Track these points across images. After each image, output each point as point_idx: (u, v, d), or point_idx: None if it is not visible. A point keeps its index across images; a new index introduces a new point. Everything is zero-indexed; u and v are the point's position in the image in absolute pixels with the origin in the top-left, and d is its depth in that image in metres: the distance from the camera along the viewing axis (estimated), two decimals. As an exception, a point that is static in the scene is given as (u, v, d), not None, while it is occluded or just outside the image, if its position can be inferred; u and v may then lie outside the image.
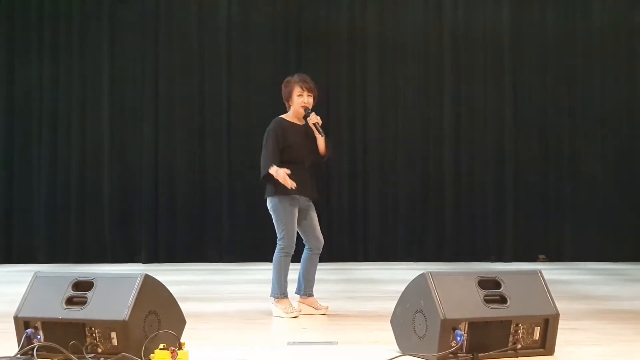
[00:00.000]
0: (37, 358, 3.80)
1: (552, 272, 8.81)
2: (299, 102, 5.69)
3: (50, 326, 3.91)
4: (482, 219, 11.03)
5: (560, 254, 10.93)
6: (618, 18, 11.18)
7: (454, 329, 3.82)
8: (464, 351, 3.87)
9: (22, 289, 4.11)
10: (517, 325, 3.99)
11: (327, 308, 5.78)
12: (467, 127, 11.13)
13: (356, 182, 11.11)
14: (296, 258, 5.72)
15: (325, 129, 5.72)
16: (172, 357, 3.63)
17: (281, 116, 5.79)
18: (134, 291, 3.85)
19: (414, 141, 11.11)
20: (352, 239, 11.05)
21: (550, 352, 4.06)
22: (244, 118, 10.97)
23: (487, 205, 11.05)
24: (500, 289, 4.03)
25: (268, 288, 5.72)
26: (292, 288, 5.73)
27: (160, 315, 3.97)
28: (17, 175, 11.01)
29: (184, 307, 4.27)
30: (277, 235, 5.64)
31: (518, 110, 11.12)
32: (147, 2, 11.11)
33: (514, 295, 4.01)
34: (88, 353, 3.82)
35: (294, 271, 5.74)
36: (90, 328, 3.85)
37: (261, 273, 8.30)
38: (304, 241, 5.79)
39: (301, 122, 5.75)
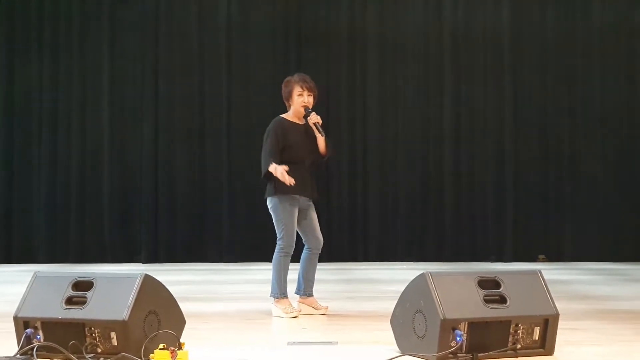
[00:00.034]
0: (37, 358, 3.80)
1: (552, 272, 8.80)
2: (299, 102, 5.69)
3: (50, 326, 3.90)
4: (482, 219, 11.04)
5: (560, 254, 10.93)
6: (618, 18, 11.18)
7: (454, 329, 3.82)
8: (463, 351, 3.87)
9: (21, 289, 4.11)
10: (516, 325, 3.99)
11: (326, 308, 5.78)
12: (467, 127, 11.13)
13: (356, 182, 11.11)
14: (296, 258, 5.72)
15: (325, 128, 5.72)
16: (171, 357, 3.63)
17: (281, 116, 5.79)
18: (133, 291, 3.85)
19: (414, 141, 11.11)
20: (352, 239, 11.05)
21: (550, 352, 4.06)
22: (244, 118, 10.97)
23: (487, 205, 11.05)
24: (500, 289, 4.03)
25: (268, 288, 5.72)
26: (291, 288, 5.73)
27: (160, 315, 3.96)
28: (17, 175, 11.02)
29: (184, 307, 4.27)
30: (277, 235, 5.64)
31: (518, 110, 11.12)
32: (147, 2, 11.12)
33: (514, 295, 4.01)
34: (88, 353, 3.82)
35: (294, 271, 5.74)
36: (90, 328, 3.85)
37: (261, 273, 8.30)
38: (303, 241, 5.79)
39: (301, 122, 5.75)
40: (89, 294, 3.92)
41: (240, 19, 11.15)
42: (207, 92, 11.12)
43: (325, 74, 10.87)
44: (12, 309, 4.02)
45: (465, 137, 11.12)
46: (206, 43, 11.16)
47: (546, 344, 4.05)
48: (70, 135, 11.01)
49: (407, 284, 4.15)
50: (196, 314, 5.57)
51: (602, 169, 11.09)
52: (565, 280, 8.30)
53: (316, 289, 5.84)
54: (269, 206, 5.68)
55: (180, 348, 3.73)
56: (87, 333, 3.86)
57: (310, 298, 5.76)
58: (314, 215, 5.75)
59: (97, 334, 3.85)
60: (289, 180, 5.44)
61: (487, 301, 3.96)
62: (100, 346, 3.85)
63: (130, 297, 3.83)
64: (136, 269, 9.40)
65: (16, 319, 3.96)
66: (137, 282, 3.89)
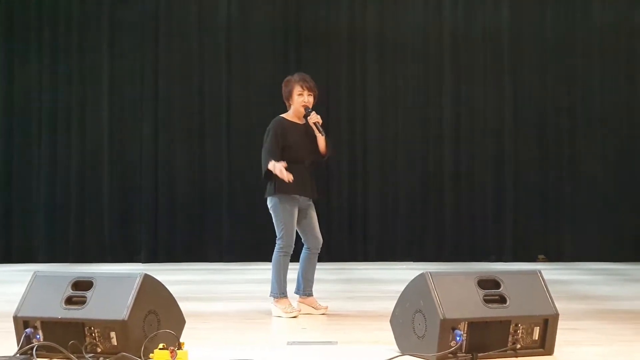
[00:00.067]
0: (37, 358, 3.79)
1: (552, 272, 8.80)
2: (299, 102, 5.69)
3: (50, 326, 3.90)
4: (482, 219, 11.04)
5: (560, 254, 10.94)
6: (618, 18, 11.18)
7: (454, 328, 3.82)
8: (463, 351, 3.87)
9: (21, 289, 4.11)
10: (516, 325, 3.98)
11: (326, 308, 5.78)
12: (467, 127, 11.13)
13: (356, 182, 11.11)
14: (295, 258, 5.72)
15: (325, 128, 5.72)
16: (171, 357, 3.63)
17: (281, 115, 5.79)
18: (133, 291, 3.85)
19: (414, 141, 11.12)
20: (352, 239, 11.05)
21: (550, 352, 4.06)
22: (243, 118, 10.97)
23: (486, 205, 11.05)
24: (500, 289, 4.03)
25: (267, 288, 5.72)
26: (291, 288, 5.73)
27: (159, 314, 3.96)
28: (17, 175, 11.01)
29: (184, 306, 4.26)
30: (277, 234, 5.64)
31: (518, 110, 11.12)
32: (147, 2, 11.12)
33: (514, 295, 4.01)
34: (87, 353, 3.82)
35: (293, 271, 5.74)
36: (90, 328, 3.85)
37: (261, 273, 8.30)
38: (302, 240, 5.79)
39: (301, 122, 5.75)
40: (88, 294, 3.92)
41: (240, 19, 11.15)
42: (207, 92, 11.12)
43: (325, 74, 10.87)
44: (12, 308, 4.02)
45: (465, 137, 11.12)
46: (206, 43, 11.16)
47: (546, 344, 4.05)
48: (70, 135, 11.01)
49: (406, 283, 4.15)
50: (196, 313, 5.57)
51: (602, 169, 11.09)
52: (565, 280, 8.30)
53: (316, 288, 5.84)
54: (269, 206, 5.68)
55: (179, 348, 3.73)
56: (86, 333, 3.86)
57: (310, 298, 5.76)
58: (313, 215, 5.75)
59: (96, 334, 3.85)
60: (287, 177, 5.44)
61: (486, 301, 3.95)
62: (100, 346, 3.85)
63: (130, 297, 3.82)
64: (136, 269, 9.40)
65: (16, 318, 3.95)
66: (137, 282, 3.89)
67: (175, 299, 4.15)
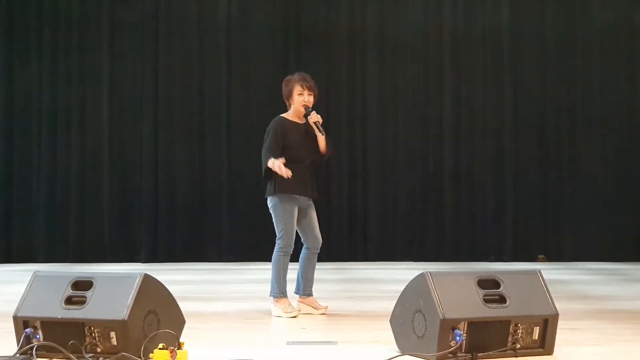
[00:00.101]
0: (37, 357, 3.79)
1: (552, 272, 8.81)
2: (300, 101, 5.69)
3: (50, 326, 3.90)
4: (482, 219, 11.04)
5: (559, 254, 10.94)
6: (618, 18, 11.18)
7: (453, 328, 3.82)
8: (463, 351, 3.87)
9: (21, 289, 4.11)
10: (516, 325, 3.99)
11: (326, 308, 5.78)
12: (467, 127, 11.13)
13: (356, 182, 11.11)
14: (295, 258, 5.72)
15: (325, 128, 5.72)
16: (171, 357, 3.63)
17: (281, 115, 5.79)
18: (133, 291, 3.85)
19: (414, 141, 11.12)
20: (352, 239, 11.05)
21: (550, 352, 4.06)
22: (243, 118, 10.97)
23: (486, 205, 11.05)
24: (500, 289, 4.03)
25: (267, 288, 5.72)
26: (291, 288, 5.73)
27: (159, 314, 3.96)
28: (17, 175, 11.01)
29: (184, 306, 4.27)
30: (276, 234, 5.64)
31: (518, 110, 11.12)
32: (147, 2, 11.12)
33: (514, 295, 4.01)
34: (87, 352, 3.82)
35: (293, 270, 5.74)
36: (90, 327, 3.85)
37: (261, 273, 8.31)
38: (302, 240, 5.79)
39: (301, 121, 5.75)
40: (88, 294, 3.92)
41: (240, 19, 11.15)
42: (207, 92, 11.12)
43: (325, 74, 10.87)
44: (12, 308, 4.02)
45: (465, 137, 11.12)
46: (206, 43, 11.16)
47: (546, 343, 4.05)
48: (70, 135, 11.01)
49: (406, 283, 4.15)
50: (196, 313, 5.57)
51: (602, 169, 11.09)
52: (564, 280, 8.30)
53: (315, 288, 5.84)
54: (269, 205, 5.68)
55: (179, 348, 3.73)
56: (86, 333, 3.86)
57: (310, 298, 5.76)
58: (313, 215, 5.75)
59: (96, 334, 3.85)
60: (286, 173, 5.43)
61: (486, 301, 3.96)
62: (100, 346, 3.85)
63: (130, 297, 3.82)
64: (136, 269, 9.40)
65: (16, 318, 3.96)
66: (137, 282, 3.89)
67: (175, 299, 4.15)
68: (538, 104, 11.15)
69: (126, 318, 3.77)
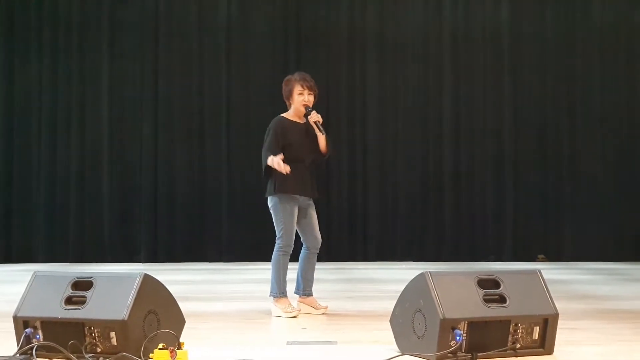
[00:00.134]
0: (37, 358, 3.79)
1: (552, 272, 8.81)
2: (300, 101, 5.69)
3: (50, 326, 3.90)
4: (482, 219, 11.04)
5: (559, 254, 10.94)
6: (618, 18, 11.19)
7: (453, 328, 3.82)
8: (463, 351, 3.87)
9: (21, 289, 4.11)
10: (516, 324, 3.99)
11: (326, 308, 5.78)
12: (467, 127, 11.13)
13: (356, 182, 11.11)
14: (295, 257, 5.72)
15: (325, 128, 5.72)
16: (171, 357, 3.63)
17: (282, 115, 5.79)
18: (133, 291, 3.85)
19: (413, 141, 11.12)
20: (352, 239, 11.05)
21: (550, 352, 4.06)
22: (243, 118, 10.97)
23: (486, 205, 11.05)
24: (500, 289, 4.03)
25: (267, 287, 5.72)
26: (291, 288, 5.73)
27: (159, 314, 3.96)
28: (17, 175, 11.01)
29: (184, 306, 4.27)
30: (276, 234, 5.64)
31: (518, 110, 11.12)
32: (147, 2, 11.12)
33: (513, 295, 4.01)
34: (87, 352, 3.82)
35: (293, 270, 5.74)
36: (90, 327, 3.85)
37: (260, 273, 8.31)
38: (302, 240, 5.79)
39: (302, 121, 5.75)
40: (88, 294, 3.92)
41: (240, 19, 11.15)
42: (207, 92, 11.12)
43: (325, 74, 10.86)
44: (12, 308, 4.02)
45: (465, 137, 11.12)
46: (206, 43, 11.16)
47: (546, 343, 4.05)
48: (69, 135, 11.01)
49: (406, 283, 4.15)
50: (196, 313, 5.57)
51: (602, 169, 11.10)
52: (564, 280, 8.30)
53: (315, 288, 5.84)
54: (269, 205, 5.68)
55: (179, 347, 3.73)
56: (86, 332, 3.86)
57: (310, 297, 5.76)
58: (313, 214, 5.75)
59: (96, 334, 3.85)
60: (285, 169, 5.43)
61: (486, 301, 3.96)
62: (100, 346, 3.85)
63: (130, 297, 3.83)
64: (136, 269, 9.40)
65: (16, 318, 3.96)
66: (137, 282, 3.89)
67: (175, 298, 4.15)
68: (538, 104, 11.15)
69: (126, 318, 3.77)
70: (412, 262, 10.60)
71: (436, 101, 11.15)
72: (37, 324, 3.92)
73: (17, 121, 11.02)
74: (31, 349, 3.81)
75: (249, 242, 10.64)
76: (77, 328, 3.86)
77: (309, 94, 5.70)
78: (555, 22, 11.20)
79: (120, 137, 11.07)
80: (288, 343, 4.57)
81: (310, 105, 5.69)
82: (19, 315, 3.95)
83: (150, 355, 3.67)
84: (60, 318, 3.88)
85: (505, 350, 3.95)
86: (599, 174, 11.06)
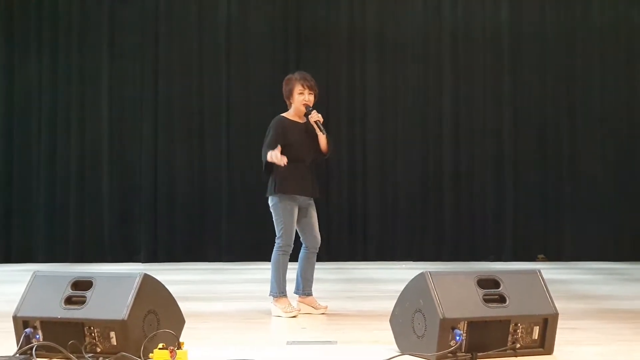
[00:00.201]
0: (36, 357, 3.79)
1: (552, 272, 8.80)
2: (300, 100, 5.69)
3: (49, 326, 3.90)
4: (482, 219, 11.04)
5: (559, 254, 10.94)
6: (618, 18, 11.19)
7: (453, 328, 3.82)
8: (463, 351, 3.87)
9: (21, 289, 4.11)
10: (516, 324, 3.99)
11: (326, 307, 5.78)
12: (467, 127, 11.13)
13: (356, 181, 11.11)
14: (294, 257, 5.71)
15: (325, 128, 5.71)
16: (171, 357, 3.63)
17: (282, 114, 5.79)
18: (133, 291, 3.85)
19: (413, 141, 11.12)
20: (352, 239, 11.05)
21: (550, 352, 4.06)
22: (243, 118, 10.97)
23: (486, 205, 11.05)
24: (500, 289, 4.03)
25: (267, 287, 5.71)
26: (291, 288, 5.73)
27: (159, 314, 3.96)
28: (17, 175, 11.01)
29: (183, 306, 4.27)
30: (276, 233, 5.64)
31: (518, 110, 11.12)
32: (147, 2, 11.11)
33: (513, 295, 4.01)
34: (87, 352, 3.82)
35: (293, 270, 5.74)
36: (89, 327, 3.85)
37: (260, 272, 8.30)
38: (301, 239, 5.78)
39: (302, 120, 5.75)
40: (88, 294, 3.92)
41: (240, 19, 11.15)
42: (207, 92, 11.12)
43: (325, 74, 10.86)
44: (12, 308, 4.02)
45: (465, 137, 11.12)
46: (206, 43, 11.16)
47: (545, 343, 4.05)
48: (69, 135, 11.00)
49: (406, 283, 4.15)
50: (195, 313, 5.57)
51: (602, 169, 11.10)
52: (564, 280, 8.29)
53: (315, 288, 5.84)
54: (270, 204, 5.68)
55: (179, 347, 3.73)
56: (86, 332, 3.86)
57: (310, 297, 5.76)
58: (314, 214, 5.75)
59: (96, 334, 3.85)
60: (282, 161, 5.41)
61: (486, 300, 3.96)
62: (100, 346, 3.85)
63: (130, 297, 3.83)
64: (135, 269, 9.40)
65: (15, 318, 3.96)
66: (137, 282, 3.89)
67: (175, 298, 4.15)
68: (538, 104, 11.15)
69: (126, 318, 3.77)
70: (412, 262, 10.60)
71: (436, 101, 11.15)
72: (37, 323, 3.92)
73: (17, 121, 11.02)
74: (31, 349, 3.81)
75: (248, 242, 10.64)
76: (76, 328, 3.86)
77: (310, 93, 5.70)
78: (555, 22, 11.19)
79: (120, 137, 11.07)
80: (288, 343, 4.57)
81: (311, 105, 5.69)
82: (18, 315, 3.95)
83: (150, 355, 3.67)
84: (60, 318, 3.88)
85: (505, 350, 3.95)
86: (599, 174, 11.06)
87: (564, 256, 10.88)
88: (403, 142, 11.12)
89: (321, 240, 5.80)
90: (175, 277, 8.50)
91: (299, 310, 5.67)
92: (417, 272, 4.08)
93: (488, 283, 4.05)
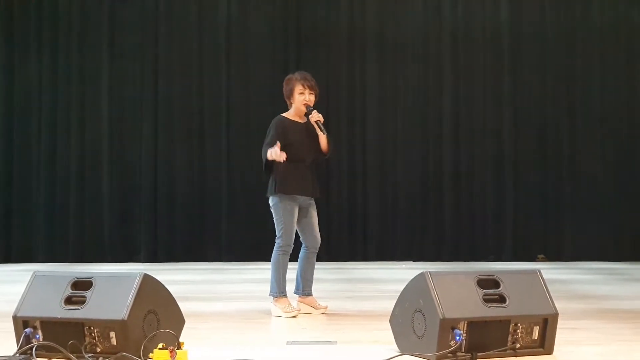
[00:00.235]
0: (36, 357, 3.79)
1: (552, 272, 8.81)
2: (301, 100, 5.69)
3: (49, 325, 3.90)
4: (482, 219, 11.04)
5: (559, 254, 10.94)
6: (618, 18, 11.19)
7: (453, 328, 3.82)
8: (463, 351, 3.87)
9: (21, 289, 4.11)
10: (516, 324, 3.99)
11: (326, 307, 5.78)
12: (467, 127, 11.13)
13: (356, 181, 11.11)
14: (294, 257, 5.71)
15: (326, 128, 5.71)
16: (171, 357, 3.63)
17: (282, 114, 5.79)
18: (133, 291, 3.85)
19: (413, 141, 11.12)
20: (352, 239, 11.05)
21: (549, 352, 4.06)
22: (243, 118, 10.97)
23: (486, 205, 11.05)
24: (500, 289, 4.03)
25: (267, 287, 5.71)
26: (290, 288, 5.73)
27: (159, 314, 3.96)
28: (16, 175, 11.01)
29: (183, 306, 4.27)
30: (276, 233, 5.64)
31: (518, 110, 11.12)
32: (147, 1, 11.11)
33: (513, 295, 4.01)
34: (87, 352, 3.82)
35: (293, 270, 5.74)
36: (89, 327, 3.85)
37: (260, 272, 8.30)
38: (301, 239, 5.78)
39: (302, 120, 5.75)
40: (88, 294, 3.92)
41: (240, 19, 11.15)
42: (207, 92, 11.12)
43: (325, 74, 10.86)
44: (12, 308, 4.02)
45: (465, 137, 11.12)
46: (206, 43, 11.16)
47: (545, 343, 4.05)
48: (69, 135, 11.00)
49: (406, 283, 4.15)
50: (195, 313, 5.57)
51: (602, 169, 11.10)
52: (564, 280, 8.29)
53: (315, 288, 5.84)
54: (270, 204, 5.68)
55: (179, 347, 3.73)
56: (86, 332, 3.86)
57: (310, 297, 5.76)
58: (314, 214, 5.75)
59: (96, 334, 3.85)
60: (281, 157, 5.40)
61: (486, 300, 3.96)
62: (100, 345, 3.85)
63: (130, 297, 3.82)
64: (135, 269, 9.40)
65: (15, 318, 3.96)
66: (137, 282, 3.89)
67: (175, 298, 4.15)
68: (538, 104, 11.15)
69: (126, 318, 3.77)
70: (412, 262, 10.60)
71: (436, 101, 11.15)
72: (37, 323, 3.92)
73: (17, 121, 11.02)
74: (31, 348, 3.81)
75: (248, 242, 10.64)
76: (76, 328, 3.86)
77: (310, 93, 5.70)
78: (555, 22, 11.19)
79: (120, 137, 11.07)
80: (288, 343, 4.57)
81: (312, 105, 5.69)
82: (18, 315, 3.95)
83: (150, 355, 3.67)
84: (60, 318, 3.88)
85: (505, 350, 3.95)
86: (599, 174, 11.06)
87: (564, 256, 10.89)
88: (403, 142, 11.12)
89: (321, 240, 5.80)
90: (175, 277, 8.50)
91: (299, 310, 5.67)
92: (417, 272, 4.08)
93: (488, 283, 4.05)
